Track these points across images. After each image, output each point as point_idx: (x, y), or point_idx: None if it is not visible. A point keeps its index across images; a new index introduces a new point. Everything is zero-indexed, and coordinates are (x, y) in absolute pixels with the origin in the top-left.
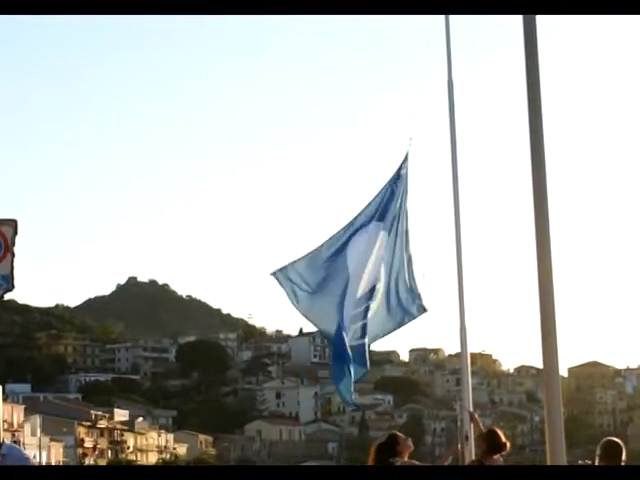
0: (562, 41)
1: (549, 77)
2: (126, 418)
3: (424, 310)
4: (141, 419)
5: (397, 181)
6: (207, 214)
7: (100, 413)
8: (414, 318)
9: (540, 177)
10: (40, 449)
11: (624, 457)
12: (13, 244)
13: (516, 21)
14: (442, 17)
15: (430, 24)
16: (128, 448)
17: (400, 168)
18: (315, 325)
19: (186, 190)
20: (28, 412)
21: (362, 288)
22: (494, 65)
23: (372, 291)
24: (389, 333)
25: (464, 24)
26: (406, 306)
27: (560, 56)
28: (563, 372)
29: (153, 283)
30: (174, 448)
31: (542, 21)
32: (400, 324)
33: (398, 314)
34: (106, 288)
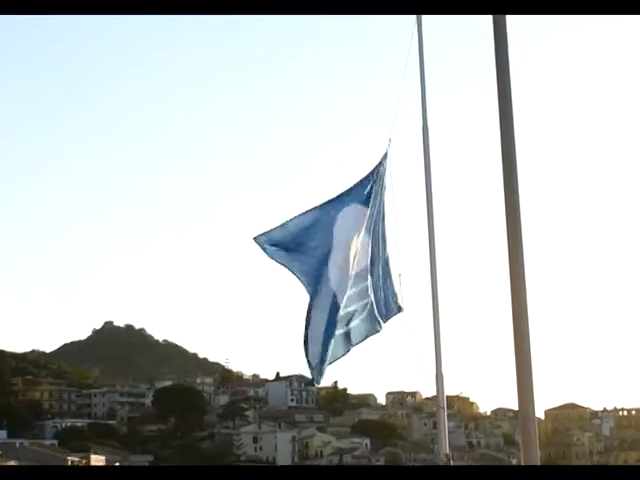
0: (534, 53)
1: (520, 87)
2: (103, 463)
3: (400, 310)
4: (117, 464)
5: (376, 175)
6: (183, 259)
7: (77, 459)
8: (392, 317)
9: (515, 223)
10: None
11: None
12: None
13: (487, 33)
14: (414, 27)
15: (403, 28)
16: None
17: (380, 164)
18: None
19: (163, 234)
20: (4, 458)
21: (354, 265)
22: (467, 82)
23: (367, 270)
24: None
25: (436, 33)
26: (386, 305)
27: (532, 64)
28: (540, 414)
29: (129, 328)
30: None
31: (513, 32)
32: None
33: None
34: (82, 333)
